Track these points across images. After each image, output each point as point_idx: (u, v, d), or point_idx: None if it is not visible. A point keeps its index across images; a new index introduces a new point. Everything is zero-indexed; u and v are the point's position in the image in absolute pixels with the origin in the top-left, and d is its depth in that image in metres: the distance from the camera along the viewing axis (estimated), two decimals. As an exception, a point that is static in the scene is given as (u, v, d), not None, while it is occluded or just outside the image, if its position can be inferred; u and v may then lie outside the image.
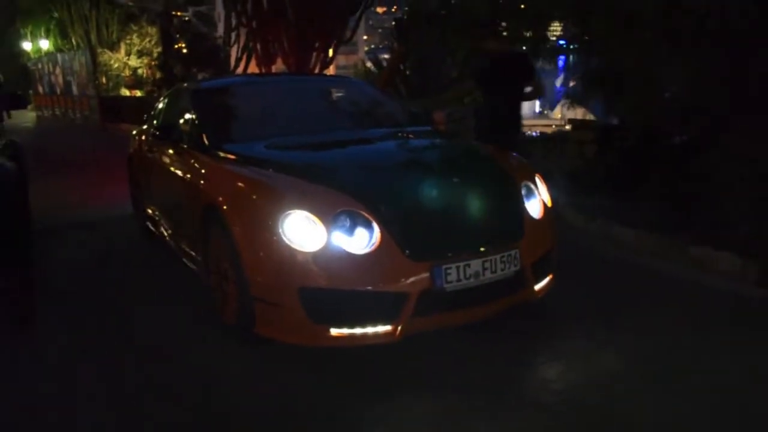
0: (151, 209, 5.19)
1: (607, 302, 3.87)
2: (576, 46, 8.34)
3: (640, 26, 4.74)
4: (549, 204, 3.65)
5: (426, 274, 2.91)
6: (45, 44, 29.79)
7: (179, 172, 4.12)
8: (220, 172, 3.66)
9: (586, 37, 6.14)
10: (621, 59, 5.13)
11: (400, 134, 4.31)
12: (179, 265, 4.35)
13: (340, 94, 5.00)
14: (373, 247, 2.91)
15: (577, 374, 3.00)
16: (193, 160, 3.99)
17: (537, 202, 3.54)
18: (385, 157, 3.76)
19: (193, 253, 4.02)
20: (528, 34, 8.14)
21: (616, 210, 5.46)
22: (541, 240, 3.44)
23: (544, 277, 3.50)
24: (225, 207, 3.29)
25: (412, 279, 2.91)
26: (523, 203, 3.44)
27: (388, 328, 2.92)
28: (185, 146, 4.16)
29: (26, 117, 23.12)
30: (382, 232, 2.93)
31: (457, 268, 2.96)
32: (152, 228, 5.24)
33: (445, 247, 3.03)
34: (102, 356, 3.36)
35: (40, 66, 28.92)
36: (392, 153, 3.91)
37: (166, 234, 4.78)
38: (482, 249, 3.08)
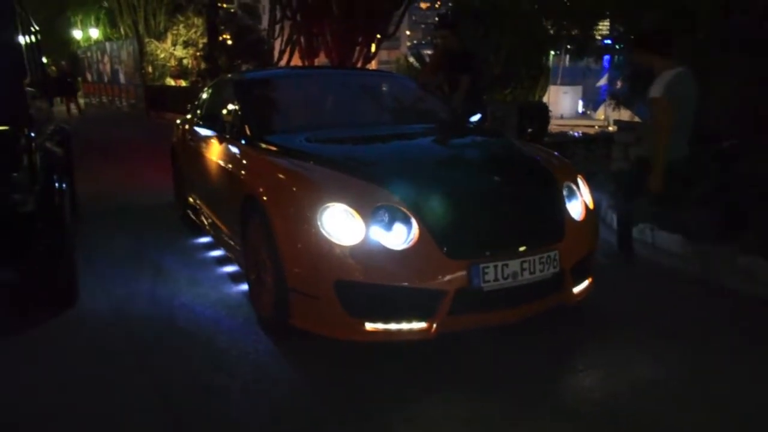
0: (193, 198, 5.25)
1: (649, 309, 3.79)
2: (623, 45, 8.20)
3: (693, 25, 4.61)
4: (591, 206, 3.58)
5: (463, 273, 2.88)
6: (94, 33, 30.42)
7: (221, 162, 4.15)
8: (261, 162, 3.68)
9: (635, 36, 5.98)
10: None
11: (441, 131, 4.27)
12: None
13: (382, 89, 4.99)
14: (410, 243, 2.89)
15: (615, 383, 2.93)
16: (234, 150, 4.02)
17: (579, 203, 3.48)
18: (425, 154, 3.74)
19: (232, 243, 4.06)
20: (574, 33, 8.02)
21: (661, 215, 5.33)
22: (581, 242, 3.38)
23: (584, 280, 3.43)
24: (265, 198, 3.30)
25: (449, 277, 2.88)
26: (565, 204, 3.37)
27: (423, 325, 2.90)
28: (227, 136, 4.20)
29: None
30: (420, 228, 2.91)
31: (495, 267, 2.92)
32: (193, 216, 5.31)
33: (483, 245, 2.99)
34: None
35: (89, 54, 29.54)
36: (433, 149, 3.88)
37: (206, 222, 4.84)
38: (521, 249, 3.04)
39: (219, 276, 4.39)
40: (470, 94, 5.87)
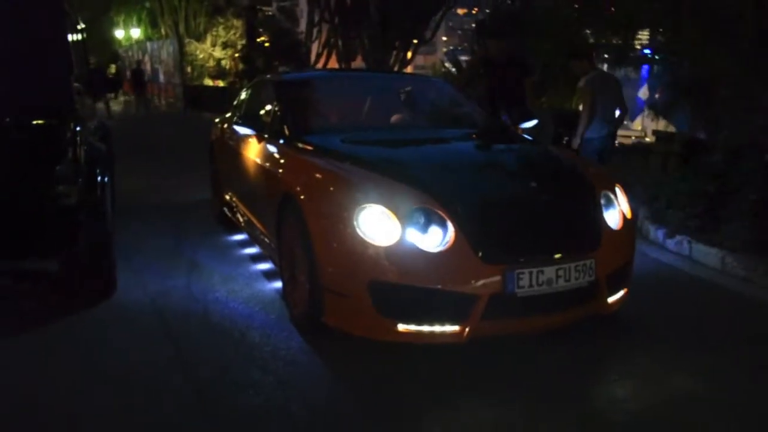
0: (229, 195, 5.32)
1: (686, 322, 3.73)
2: (663, 55, 8.09)
3: (737, 35, 4.54)
4: (629, 215, 3.54)
5: (498, 278, 2.87)
6: (136, 32, 30.99)
7: (259, 161, 4.20)
8: (298, 162, 3.72)
9: (677, 45, 5.91)
10: (715, 69, 4.92)
11: (478, 135, 4.26)
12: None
13: (420, 93, 4.99)
14: (446, 246, 2.89)
15: (650, 393, 2.89)
16: (273, 149, 4.06)
17: (616, 212, 3.44)
18: (462, 158, 3.74)
19: (267, 240, 4.10)
20: (614, 41, 7.94)
21: (699, 227, 5.25)
22: (618, 251, 3.34)
23: (619, 290, 3.39)
24: (302, 197, 3.33)
25: (483, 281, 2.87)
26: (602, 212, 3.34)
27: (455, 328, 2.90)
28: (266, 135, 4.24)
29: (115, 101, 24.11)
30: (456, 231, 2.91)
31: (530, 273, 2.91)
32: (228, 214, 5.38)
33: (518, 251, 2.98)
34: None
35: (130, 53, 30.12)
36: (470, 154, 3.88)
37: (241, 220, 4.90)
38: (557, 256, 3.02)
39: (253, 273, 4.44)
40: (521, 100, 5.89)
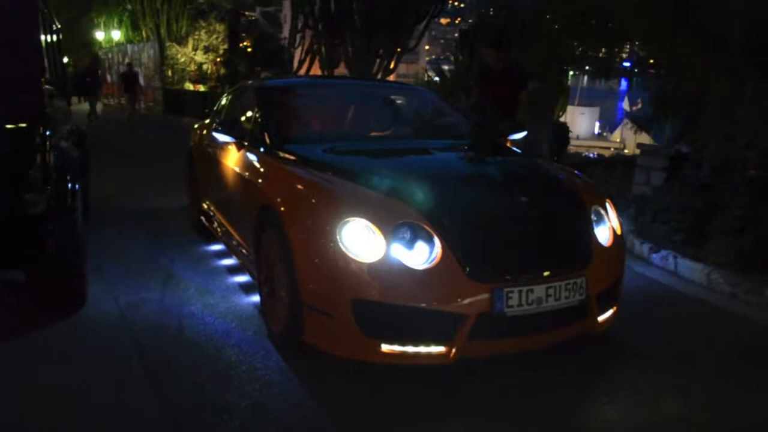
0: (207, 204, 5.16)
1: (673, 340, 3.64)
2: (644, 68, 8.09)
3: (729, 52, 4.49)
4: (619, 231, 3.45)
5: (486, 296, 2.76)
6: (117, 35, 30.60)
7: (238, 169, 4.06)
8: (279, 172, 3.58)
9: (665, 59, 5.87)
10: (702, 85, 4.87)
11: (465, 147, 4.16)
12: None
13: (405, 102, 4.89)
14: (432, 263, 2.77)
15: (641, 416, 2.80)
16: (252, 158, 3.93)
17: (607, 228, 3.35)
18: (449, 170, 3.63)
19: (245, 252, 3.96)
20: (600, 54, 7.91)
21: (685, 242, 5.19)
22: (609, 269, 3.25)
23: (609, 308, 3.30)
24: (282, 209, 3.19)
25: (471, 300, 2.76)
26: (593, 228, 3.24)
27: (441, 349, 2.78)
28: (246, 143, 4.11)
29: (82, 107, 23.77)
30: (443, 247, 2.79)
31: (520, 292, 2.79)
32: (206, 223, 5.22)
33: (508, 268, 2.87)
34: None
35: (110, 56, 29.72)
36: (457, 166, 3.77)
37: (219, 230, 4.75)
38: (546, 274, 2.91)
39: (230, 285, 4.29)
40: (512, 112, 5.85)
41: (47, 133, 3.17)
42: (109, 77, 29.74)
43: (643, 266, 5.15)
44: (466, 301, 2.75)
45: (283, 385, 2.94)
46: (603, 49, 8.07)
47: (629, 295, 3.98)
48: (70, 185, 3.49)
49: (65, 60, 24.28)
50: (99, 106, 20.68)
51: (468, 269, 2.77)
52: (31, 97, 3.22)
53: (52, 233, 3.29)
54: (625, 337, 3.55)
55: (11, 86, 3.15)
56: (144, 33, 26.15)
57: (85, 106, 18.49)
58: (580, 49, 7.16)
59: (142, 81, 24.27)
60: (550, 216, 3.18)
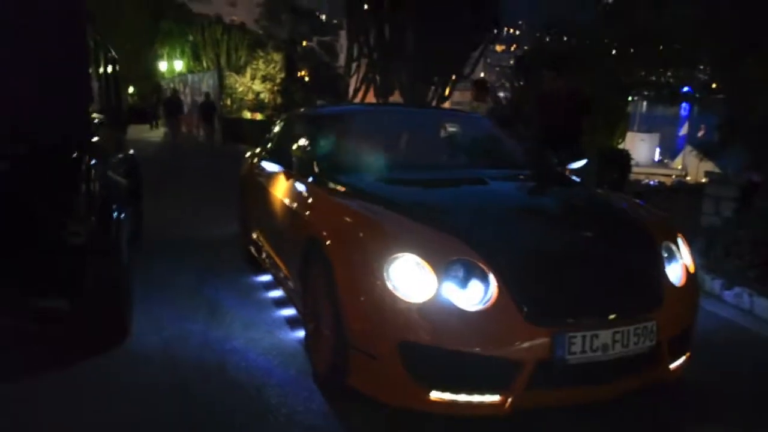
0: (256, 234, 5.06)
1: (755, 390, 3.31)
2: (709, 93, 7.72)
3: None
4: (692, 269, 3.16)
5: (546, 341, 2.52)
6: (179, 65, 31.55)
7: (285, 199, 3.94)
8: (326, 203, 3.43)
9: (735, 84, 5.52)
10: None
11: (524, 177, 3.94)
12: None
13: (460, 129, 4.70)
14: (487, 304, 2.55)
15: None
16: (300, 188, 3.80)
17: (679, 266, 3.06)
18: (507, 202, 3.41)
19: (291, 286, 3.81)
20: (663, 78, 7.59)
21: (761, 278, 4.81)
22: (681, 311, 2.96)
23: (681, 354, 3.00)
24: (328, 242, 3.03)
25: (529, 345, 2.52)
26: (664, 267, 2.97)
27: (496, 398, 2.54)
28: (294, 172, 3.99)
29: (156, 133, 24.42)
30: (499, 287, 2.57)
31: (583, 337, 2.54)
32: (254, 252, 5.12)
33: (570, 311, 2.62)
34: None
35: (171, 85, 30.60)
36: (515, 198, 3.55)
37: (267, 261, 4.63)
38: (611, 317, 2.65)
39: (276, 319, 4.15)
40: (574, 138, 5.65)
41: (92, 162, 3.10)
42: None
43: (714, 304, 4.79)
44: (524, 346, 2.52)
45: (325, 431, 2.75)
46: (665, 73, 7.76)
47: (700, 337, 3.64)
48: (115, 215, 3.42)
49: (130, 90, 25.12)
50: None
51: (526, 311, 2.54)
52: (77, 126, 3.17)
53: (95, 263, 3.21)
54: (699, 386, 3.24)
55: (57, 116, 3.11)
56: (204, 63, 26.86)
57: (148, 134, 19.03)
58: (642, 73, 6.84)
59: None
60: (616, 253, 2.92)
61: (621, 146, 15.54)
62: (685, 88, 8.60)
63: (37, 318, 3.31)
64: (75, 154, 3.07)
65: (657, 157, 54.85)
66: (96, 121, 3.70)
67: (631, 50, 7.33)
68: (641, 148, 50.35)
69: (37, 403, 3.00)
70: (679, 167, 49.96)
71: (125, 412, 2.93)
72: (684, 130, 50.29)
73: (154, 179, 8.37)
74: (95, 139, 3.57)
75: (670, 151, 54.95)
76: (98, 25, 4.23)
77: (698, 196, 9.49)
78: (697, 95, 8.11)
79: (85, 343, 3.64)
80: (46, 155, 3.02)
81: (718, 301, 4.87)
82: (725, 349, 3.90)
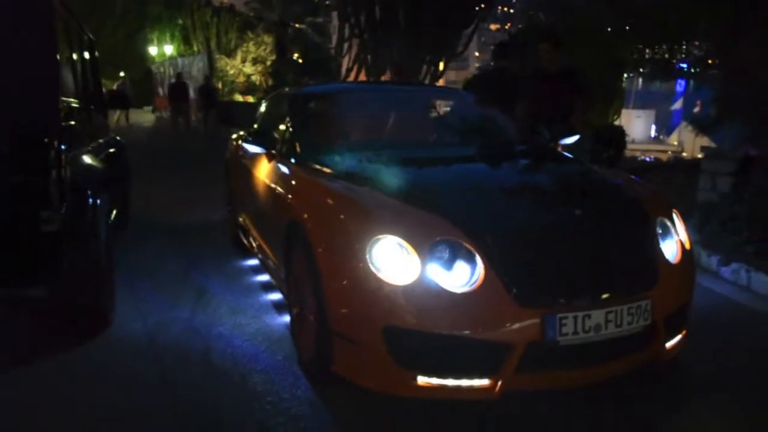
0: (242, 218, 4.96)
1: (754, 369, 3.22)
2: (706, 68, 7.59)
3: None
4: (687, 246, 3.06)
5: (536, 323, 2.42)
6: (169, 49, 31.17)
7: (268, 181, 3.82)
8: (308, 184, 3.32)
9: (731, 58, 5.39)
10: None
11: (514, 154, 3.82)
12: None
13: (448, 107, 4.57)
14: (474, 286, 2.45)
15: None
16: (283, 170, 3.68)
17: (674, 242, 2.96)
18: (495, 180, 3.29)
19: (276, 270, 3.71)
20: (658, 54, 7.46)
21: (759, 254, 4.72)
22: (677, 289, 2.86)
23: (677, 333, 2.91)
24: (309, 225, 2.93)
25: (519, 327, 2.42)
26: (659, 244, 2.86)
27: (485, 382, 2.45)
28: (277, 154, 3.87)
29: (145, 118, 24.20)
30: (486, 268, 2.46)
31: (575, 318, 2.44)
32: (242, 237, 5.01)
33: (561, 291, 2.52)
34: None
35: (161, 70, 30.27)
36: (504, 176, 3.43)
37: (253, 245, 4.53)
38: (604, 296, 2.55)
39: (262, 304, 4.05)
40: (566, 115, 5.50)
41: (62, 147, 2.97)
42: (161, 91, 30.25)
43: (711, 280, 4.70)
44: (514, 328, 2.42)
45: (310, 420, 2.66)
46: (661, 49, 7.62)
47: (697, 315, 3.55)
48: (91, 201, 3.30)
49: (122, 74, 24.73)
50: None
51: (515, 292, 2.44)
52: (44, 111, 3.05)
53: (70, 250, 3.10)
54: (695, 365, 3.16)
55: (23, 100, 2.98)
56: (195, 46, 26.54)
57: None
58: (639, 48, 6.70)
59: (191, 93, 24.57)
60: (609, 230, 2.81)
61: (616, 123, 15.40)
62: (682, 64, 8.49)
63: (14, 305, 3.23)
64: (46, 140, 2.94)
65: (653, 133, 54.74)
66: (70, 105, 3.58)
67: (627, 27, 7.18)
68: (637, 125, 50.24)
69: (23, 392, 2.93)
70: (676, 143, 49.90)
71: (111, 400, 2.85)
72: (679, 106, 50.11)
73: (145, 164, 8.26)
74: (69, 124, 3.44)
75: (666, 127, 54.84)
76: (71, 7, 4.07)
77: (695, 172, 9.39)
78: (693, 70, 7.99)
79: (69, 331, 3.56)
80: (14, 142, 2.90)
81: (715, 278, 4.78)
82: (722, 327, 3.81)
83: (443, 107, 4.53)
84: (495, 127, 4.32)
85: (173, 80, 21.54)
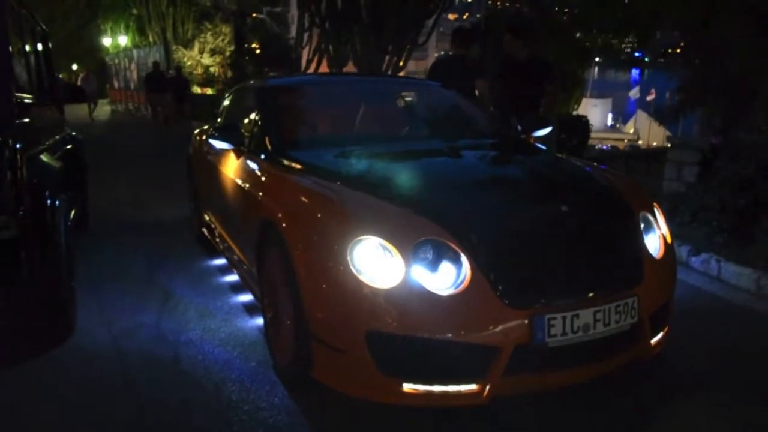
0: (208, 215, 4.79)
1: (731, 361, 3.21)
2: (664, 56, 7.64)
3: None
4: (669, 240, 3.02)
5: (524, 324, 2.34)
6: (123, 40, 30.36)
7: (237, 179, 3.67)
8: (281, 182, 3.18)
9: (706, 44, 5.39)
10: (752, 68, 4.40)
11: (490, 147, 3.74)
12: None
13: (420, 99, 4.46)
14: (460, 288, 2.36)
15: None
16: (253, 166, 3.54)
17: (657, 237, 2.92)
18: (475, 176, 3.20)
19: (247, 270, 3.57)
20: (624, 43, 7.48)
21: (728, 244, 4.75)
22: (662, 285, 2.82)
23: (662, 329, 2.87)
24: (284, 225, 2.79)
25: (507, 329, 2.34)
26: (643, 239, 2.82)
27: (473, 387, 2.37)
28: (246, 150, 3.72)
29: (101, 111, 23.53)
30: (472, 268, 2.37)
31: (564, 318, 2.37)
32: (208, 235, 4.84)
33: (549, 291, 2.44)
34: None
35: (116, 61, 29.50)
36: (483, 171, 3.34)
37: (220, 244, 4.37)
38: (591, 295, 2.49)
39: (233, 306, 3.90)
40: (536, 106, 5.47)
41: (17, 145, 2.78)
42: (116, 83, 29.50)
43: (681, 271, 4.62)
44: (502, 330, 2.34)
45: (290, 429, 2.55)
46: (625, 39, 7.65)
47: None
48: (49, 202, 3.11)
49: (74, 67, 23.94)
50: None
51: (502, 293, 2.36)
52: (-2, 109, 2.85)
53: (29, 255, 2.91)
54: (670, 356, 3.12)
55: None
56: (150, 37, 25.89)
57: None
58: (608, 38, 6.70)
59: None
60: (594, 226, 2.74)
61: (576, 112, 15.54)
62: (636, 53, 8.55)
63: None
64: (-1, 138, 2.75)
65: (609, 122, 55.70)
66: (23, 101, 3.36)
67: (591, 17, 7.18)
68: (594, 114, 50.97)
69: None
70: (631, 131, 50.83)
71: (74, 413, 2.70)
72: (636, 95, 51.06)
73: (99, 159, 7.98)
74: (23, 120, 3.23)
75: (623, 115, 55.82)
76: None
77: (654, 162, 9.49)
78: (652, 60, 8.03)
79: (30, 338, 3.36)
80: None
81: (685, 268, 4.80)
82: (695, 319, 3.80)
83: (417, 99, 4.41)
84: (470, 119, 4.24)
85: (150, 70, 20.29)
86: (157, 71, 20.02)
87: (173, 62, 23.25)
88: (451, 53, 6.70)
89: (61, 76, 29.18)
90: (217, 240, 4.45)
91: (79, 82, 22.78)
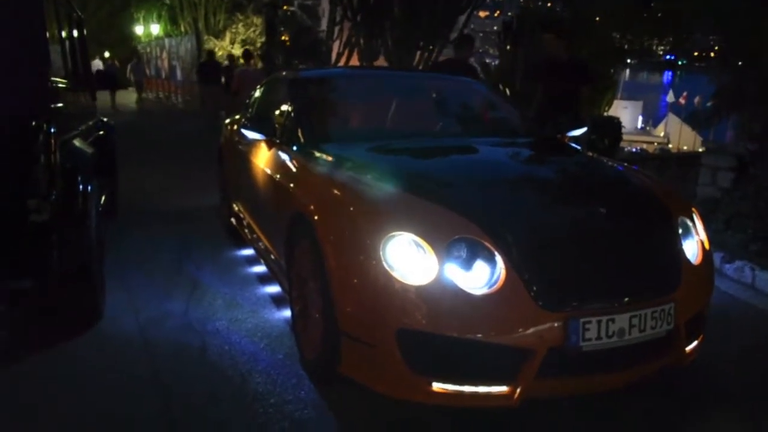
0: (237, 206, 4.79)
1: (762, 369, 3.13)
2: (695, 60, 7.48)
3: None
4: (707, 246, 2.94)
5: (559, 327, 2.29)
6: (156, 29, 30.63)
7: (268, 170, 3.66)
8: (314, 175, 3.16)
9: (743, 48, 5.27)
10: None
11: (525, 146, 3.68)
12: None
13: (455, 95, 4.40)
14: (494, 287, 2.31)
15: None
16: (284, 158, 3.52)
17: (695, 242, 2.85)
18: (510, 174, 3.15)
19: (276, 263, 3.55)
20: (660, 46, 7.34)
21: (763, 252, 4.64)
22: (699, 292, 2.75)
23: (697, 337, 2.80)
24: (316, 218, 2.77)
25: (540, 331, 2.29)
26: (681, 244, 2.75)
27: (504, 389, 2.32)
28: (278, 141, 3.71)
29: (131, 98, 23.77)
30: (507, 268, 2.33)
31: (599, 323, 2.32)
32: (236, 225, 4.85)
33: (585, 293, 2.39)
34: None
35: (148, 50, 29.76)
36: (519, 169, 3.29)
37: (249, 235, 4.36)
38: (627, 300, 2.43)
39: (260, 297, 3.90)
40: (572, 106, 5.42)
41: (52, 130, 2.79)
42: (147, 71, 29.76)
43: (714, 278, 4.61)
44: (535, 333, 2.29)
45: (315, 423, 2.53)
46: (663, 41, 7.51)
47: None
48: (81, 188, 3.12)
49: (106, 54, 24.21)
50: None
51: (537, 295, 2.31)
52: (33, 93, 2.86)
53: (60, 240, 2.92)
54: (705, 366, 3.04)
55: (10, 81, 2.79)
56: (182, 27, 26.07)
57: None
58: (645, 39, 6.58)
59: (179, 75, 24.07)
60: (633, 229, 2.68)
61: (607, 114, 15.33)
62: (667, 56, 8.40)
63: (1, 299, 3.05)
64: (34, 123, 2.76)
65: (640, 124, 54.96)
66: (58, 86, 3.38)
67: (630, 17, 7.05)
68: (624, 116, 50.23)
69: (7, 391, 2.78)
70: (662, 134, 50.09)
71: (100, 404, 2.69)
72: (671, 99, 50.33)
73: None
74: (57, 105, 3.25)
75: (653, 118, 55.06)
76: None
77: (686, 166, 9.30)
78: (689, 63, 7.87)
79: (57, 326, 3.39)
80: (1, 125, 2.72)
81: (719, 275, 4.66)
82: (730, 327, 3.72)
83: (451, 95, 4.36)
84: (504, 116, 4.18)
85: (203, 59, 18.51)
86: (213, 61, 17.80)
87: (203, 52, 23.39)
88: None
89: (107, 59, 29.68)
90: (246, 230, 4.45)
91: (128, 70, 23.06)
